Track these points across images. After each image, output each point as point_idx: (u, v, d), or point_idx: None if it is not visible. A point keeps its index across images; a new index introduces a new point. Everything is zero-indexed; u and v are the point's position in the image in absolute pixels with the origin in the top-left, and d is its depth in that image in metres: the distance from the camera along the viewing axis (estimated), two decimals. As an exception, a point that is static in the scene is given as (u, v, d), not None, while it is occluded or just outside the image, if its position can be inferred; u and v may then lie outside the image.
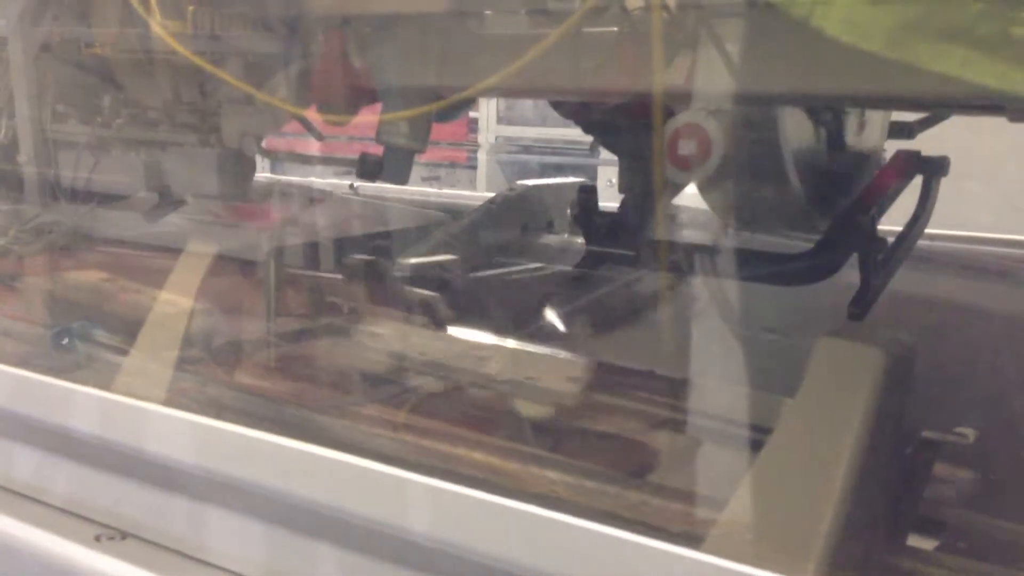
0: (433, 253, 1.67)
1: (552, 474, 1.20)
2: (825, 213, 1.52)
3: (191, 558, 1.22)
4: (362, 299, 1.41)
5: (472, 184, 5.48)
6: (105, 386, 1.38)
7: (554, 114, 1.81)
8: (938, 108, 1.49)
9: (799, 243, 1.46)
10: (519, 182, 1.98)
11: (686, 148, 1.20)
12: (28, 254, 2.15)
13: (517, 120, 5.46)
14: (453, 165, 5.82)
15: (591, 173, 4.02)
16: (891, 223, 1.41)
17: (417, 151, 1.58)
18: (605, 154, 1.88)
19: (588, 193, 1.60)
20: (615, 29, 1.27)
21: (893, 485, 1.12)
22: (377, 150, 1.60)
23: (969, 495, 1.16)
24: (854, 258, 1.31)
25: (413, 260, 1.49)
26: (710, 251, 1.45)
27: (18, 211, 2.23)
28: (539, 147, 5.35)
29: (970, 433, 1.14)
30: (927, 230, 1.44)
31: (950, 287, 1.58)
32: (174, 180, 1.99)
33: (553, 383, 1.21)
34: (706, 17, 1.19)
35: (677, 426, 1.24)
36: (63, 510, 1.35)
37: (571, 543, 0.95)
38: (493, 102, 5.30)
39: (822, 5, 0.96)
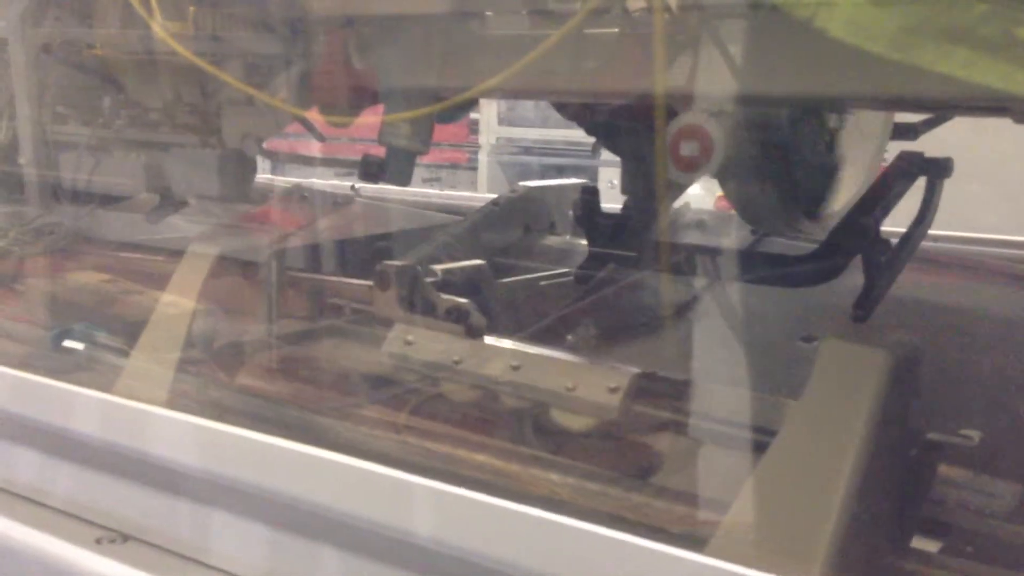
0: (436, 255, 1.66)
1: (555, 476, 1.19)
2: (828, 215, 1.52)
3: (192, 560, 1.22)
4: (391, 305, 1.37)
5: (473, 185, 5.48)
6: (106, 388, 1.38)
7: (555, 115, 1.80)
8: (942, 109, 1.48)
9: (804, 245, 1.46)
10: (521, 183, 1.98)
11: (688, 149, 1.20)
12: (29, 255, 2.15)
13: (518, 121, 5.46)
14: (454, 166, 5.82)
15: (592, 174, 4.02)
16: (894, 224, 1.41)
17: (419, 152, 1.58)
18: (606, 155, 1.88)
19: (590, 194, 1.60)
20: (616, 30, 1.27)
21: (898, 487, 1.12)
22: (379, 151, 1.60)
23: (974, 497, 1.16)
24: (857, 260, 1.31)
25: (441, 265, 1.46)
26: (713, 253, 1.44)
27: (19, 212, 2.23)
28: (540, 148, 5.36)
29: (975, 435, 1.14)
30: (931, 231, 1.43)
31: (954, 289, 1.57)
32: (175, 181, 1.99)
33: (592, 393, 1.17)
34: (708, 18, 1.19)
35: (680, 428, 1.23)
36: (64, 512, 1.35)
37: (574, 546, 0.95)
38: (494, 103, 5.31)
39: (826, 6, 0.96)
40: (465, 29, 1.44)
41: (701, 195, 1.73)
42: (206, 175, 1.91)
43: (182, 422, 1.21)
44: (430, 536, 1.04)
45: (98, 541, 1.27)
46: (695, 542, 0.97)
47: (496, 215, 1.84)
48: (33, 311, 2.00)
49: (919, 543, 1.13)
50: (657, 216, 1.53)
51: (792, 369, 1.14)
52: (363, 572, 1.11)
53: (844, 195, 1.56)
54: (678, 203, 1.74)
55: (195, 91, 1.87)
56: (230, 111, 1.83)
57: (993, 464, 1.16)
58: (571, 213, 1.79)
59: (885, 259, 1.31)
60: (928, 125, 1.61)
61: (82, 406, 1.31)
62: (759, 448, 1.06)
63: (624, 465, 1.22)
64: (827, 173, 1.54)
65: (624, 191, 1.64)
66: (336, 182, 2.44)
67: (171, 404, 1.33)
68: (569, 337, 1.45)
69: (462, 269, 1.50)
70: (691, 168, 1.21)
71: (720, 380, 1.22)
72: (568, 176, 2.24)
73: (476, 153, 5.57)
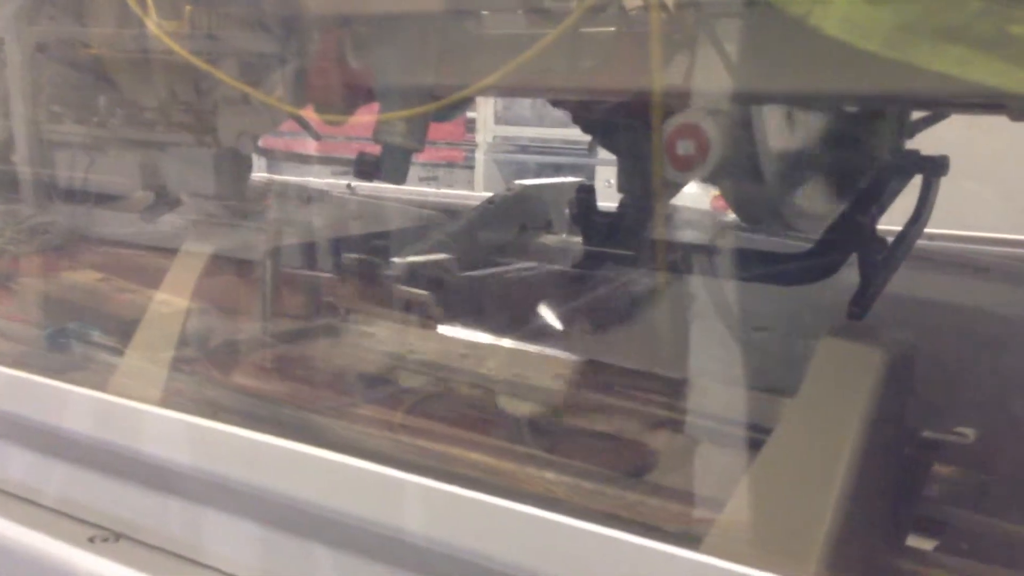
0: (431, 253, 1.66)
1: (548, 474, 1.19)
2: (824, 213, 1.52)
3: (185, 559, 1.22)
4: (355, 298, 1.42)
5: (470, 184, 5.48)
6: (100, 386, 1.37)
7: (551, 114, 1.81)
8: (938, 107, 1.48)
9: (799, 243, 1.46)
10: (517, 182, 1.98)
11: (684, 148, 1.20)
12: (23, 254, 2.14)
13: (515, 120, 5.46)
14: (451, 165, 5.82)
15: (589, 173, 4.02)
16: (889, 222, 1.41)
17: (415, 150, 1.58)
18: (603, 154, 1.88)
19: (586, 193, 1.60)
20: (613, 29, 1.26)
21: (893, 485, 1.12)
22: (374, 149, 1.59)
23: (969, 495, 1.16)
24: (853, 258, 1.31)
25: (406, 259, 1.50)
26: (708, 251, 1.44)
27: (13, 211, 2.22)
28: (536, 147, 5.36)
29: (970, 433, 1.14)
30: (926, 229, 1.43)
31: (950, 287, 1.58)
32: (170, 179, 1.98)
33: (540, 380, 1.21)
34: (704, 17, 1.19)
35: (674, 426, 1.23)
36: (56, 511, 1.35)
37: (568, 544, 0.95)
38: (491, 102, 5.30)
39: (820, 4, 0.96)
40: (461, 27, 1.44)
41: (697, 194, 1.73)
42: (201, 173, 1.91)
43: (175, 420, 1.21)
44: (424, 534, 1.04)
45: (91, 540, 1.26)
46: (690, 540, 0.97)
47: (492, 213, 1.84)
48: (27, 310, 1.99)
49: (914, 541, 1.13)
50: (653, 214, 1.53)
51: (747, 358, 1.16)
52: (357, 570, 1.11)
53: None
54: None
55: (190, 89, 1.87)
56: (225, 109, 1.83)
57: (988, 462, 1.16)
58: (567, 211, 1.79)
59: (881, 257, 1.31)
60: (925, 123, 1.61)
61: (75, 404, 1.31)
62: (754, 446, 1.06)
63: (619, 463, 1.22)
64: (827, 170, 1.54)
65: (620, 189, 1.64)
66: (332, 180, 2.44)
67: (164, 403, 1.32)
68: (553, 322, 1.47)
69: (424, 262, 1.53)
70: (687, 167, 1.21)
71: (710, 376, 1.22)
72: (565, 175, 2.24)
73: (473, 152, 5.57)
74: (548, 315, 1.51)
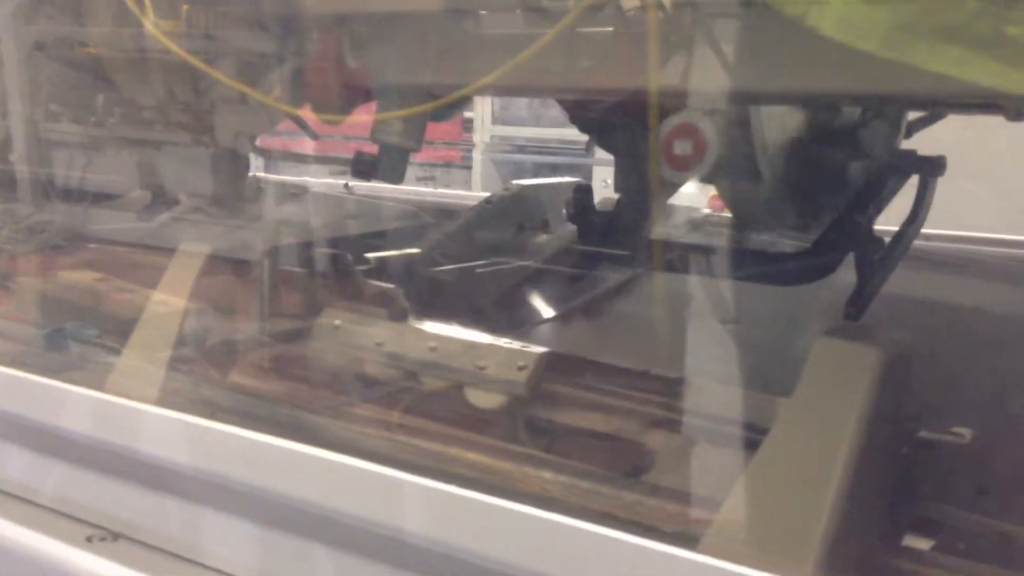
0: (428, 253, 1.67)
1: (547, 474, 1.19)
2: (821, 212, 1.52)
3: (183, 559, 1.22)
4: (325, 294, 1.44)
5: (467, 184, 5.48)
6: (98, 386, 1.37)
7: (549, 114, 1.81)
8: (935, 107, 1.49)
9: (796, 243, 1.46)
10: (514, 182, 1.98)
11: (682, 148, 1.20)
12: (21, 253, 2.14)
13: (512, 120, 5.46)
14: (448, 165, 5.82)
15: (586, 173, 4.02)
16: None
17: (412, 150, 1.58)
18: (600, 154, 1.88)
19: (583, 192, 1.60)
20: (611, 28, 1.26)
21: (889, 485, 1.12)
22: (372, 149, 1.59)
23: (965, 495, 1.16)
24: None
25: (377, 254, 1.52)
26: (705, 250, 1.44)
27: (11, 210, 2.22)
28: (534, 147, 5.35)
29: (967, 433, 1.14)
30: (923, 230, 1.44)
31: (946, 287, 1.58)
32: (167, 179, 1.98)
33: (502, 372, 1.23)
34: (702, 17, 1.19)
35: (670, 425, 1.23)
36: (54, 510, 1.34)
37: (565, 544, 0.95)
38: (488, 102, 5.30)
39: (817, 5, 0.96)
40: (459, 27, 1.44)
41: (694, 194, 1.73)
42: (199, 173, 1.91)
43: (173, 420, 1.21)
44: (422, 534, 1.04)
45: (89, 539, 1.26)
46: (687, 540, 0.97)
47: (489, 213, 1.84)
48: (25, 309, 1.99)
49: (911, 540, 1.13)
50: (650, 214, 1.53)
51: (713, 351, 1.17)
52: (355, 570, 1.11)
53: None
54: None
55: (187, 89, 1.87)
56: (223, 109, 1.83)
57: (985, 461, 1.16)
58: (564, 211, 1.79)
59: (878, 257, 1.32)
60: (922, 123, 1.61)
61: (72, 404, 1.31)
62: (751, 446, 1.06)
63: (616, 463, 1.22)
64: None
65: (617, 189, 1.64)
66: (329, 180, 2.44)
67: (162, 402, 1.32)
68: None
69: (396, 258, 1.54)
70: (684, 167, 1.21)
71: (707, 374, 1.23)
72: (563, 175, 2.24)
73: (470, 151, 5.57)
74: (522, 309, 1.54)
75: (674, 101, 1.22)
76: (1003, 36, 0.90)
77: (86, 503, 1.32)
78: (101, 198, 2.18)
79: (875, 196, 1.36)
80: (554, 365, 1.29)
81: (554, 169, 4.93)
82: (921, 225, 1.42)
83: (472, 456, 1.26)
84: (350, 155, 1.65)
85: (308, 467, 1.10)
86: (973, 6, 0.90)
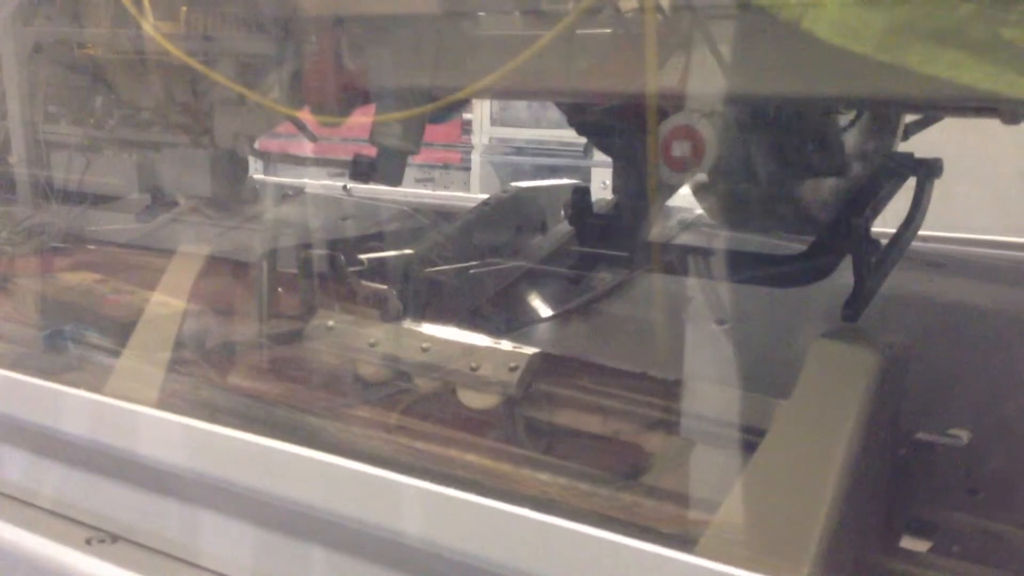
0: (426, 255, 1.67)
1: (544, 476, 1.20)
2: (819, 215, 1.53)
3: (182, 561, 1.22)
4: (320, 295, 1.44)
5: (466, 186, 5.48)
6: (97, 388, 1.37)
7: (548, 116, 1.82)
8: (931, 110, 1.49)
9: (794, 245, 1.46)
10: (513, 184, 1.98)
11: (680, 149, 1.20)
12: (20, 255, 2.14)
13: (511, 122, 5.46)
14: (447, 166, 5.81)
15: (585, 175, 4.02)
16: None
17: (410, 152, 1.58)
18: (599, 156, 1.88)
19: (581, 195, 1.60)
20: (609, 31, 1.27)
21: (886, 487, 1.12)
22: (371, 151, 1.60)
23: (962, 497, 1.16)
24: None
25: (370, 255, 1.52)
26: (702, 252, 1.45)
27: (10, 212, 2.22)
28: (533, 149, 5.35)
29: (964, 435, 1.14)
30: (920, 232, 1.44)
31: (943, 289, 1.58)
32: (166, 181, 1.98)
33: (494, 373, 1.23)
34: (699, 19, 1.19)
35: (667, 427, 1.24)
36: (53, 512, 1.35)
37: (563, 546, 0.95)
38: (487, 104, 5.30)
39: (813, 8, 0.96)
40: (457, 29, 1.44)
41: (692, 195, 1.73)
42: (198, 175, 1.91)
43: (171, 423, 1.21)
44: (419, 536, 1.04)
45: (88, 541, 1.26)
46: (684, 542, 0.97)
47: (487, 216, 1.85)
48: (24, 311, 1.99)
49: (907, 542, 1.14)
50: (647, 216, 1.53)
51: (710, 353, 1.17)
52: (352, 572, 1.11)
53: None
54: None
55: (186, 91, 1.87)
56: (222, 111, 1.83)
57: (982, 463, 1.17)
58: (563, 213, 1.79)
59: (875, 259, 1.32)
60: (918, 126, 1.62)
61: (72, 406, 1.31)
62: (748, 448, 1.06)
63: (613, 465, 1.23)
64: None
65: (615, 191, 1.64)
66: (328, 182, 2.44)
67: (161, 404, 1.33)
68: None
69: (389, 259, 1.55)
70: (683, 168, 1.21)
71: (704, 377, 1.23)
72: (562, 176, 2.24)
73: (469, 153, 5.56)
74: (516, 309, 1.54)
75: (672, 103, 1.22)
76: (998, 39, 0.90)
77: (85, 505, 1.32)
78: (100, 200, 2.18)
79: (872, 198, 1.36)
80: (551, 367, 1.29)
81: (553, 171, 4.92)
82: (918, 227, 1.42)
83: (470, 458, 1.26)
84: (349, 157, 1.65)
85: (306, 469, 1.10)
86: (968, 9, 0.90)
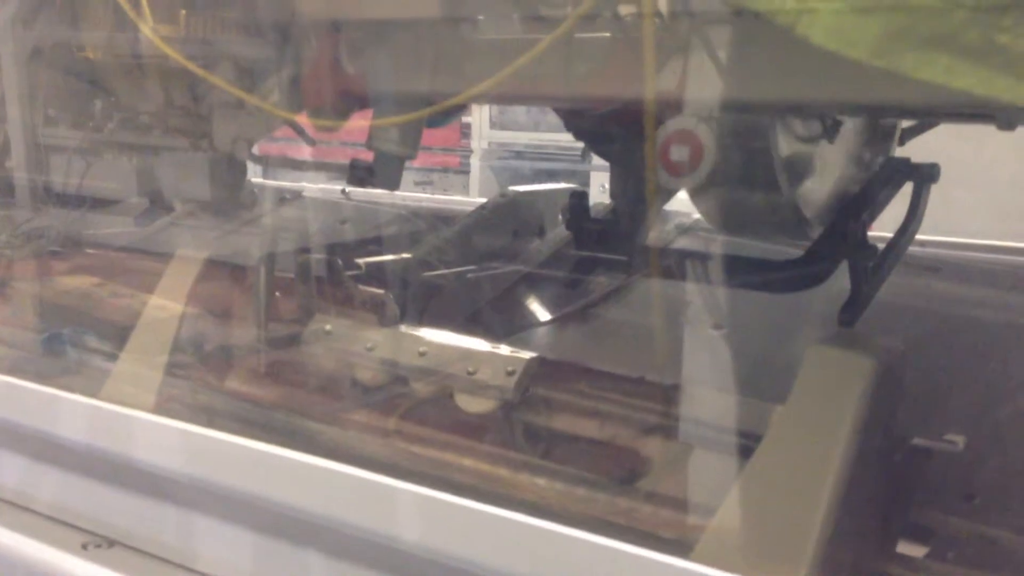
0: (423, 259, 1.67)
1: (542, 481, 1.20)
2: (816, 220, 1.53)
3: (178, 566, 1.22)
4: (317, 299, 1.44)
5: (465, 190, 5.48)
6: (94, 392, 1.37)
7: (547, 120, 1.82)
8: (927, 116, 1.49)
9: (790, 250, 1.46)
10: (510, 188, 1.99)
11: (678, 154, 1.20)
12: (19, 259, 2.14)
13: (510, 125, 5.46)
14: (446, 170, 5.81)
15: (584, 179, 4.02)
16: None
17: (408, 157, 1.58)
18: (598, 160, 1.88)
19: (579, 199, 1.60)
20: (607, 35, 1.27)
21: (883, 492, 1.12)
22: (369, 156, 1.60)
23: (959, 502, 1.16)
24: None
25: (367, 259, 1.53)
26: (699, 257, 1.45)
27: (9, 216, 2.22)
28: (532, 153, 5.36)
29: (960, 440, 1.14)
30: (917, 236, 1.44)
31: (940, 293, 1.58)
32: (165, 185, 1.98)
33: (492, 377, 1.23)
34: (697, 24, 1.19)
35: (667, 432, 1.23)
36: (50, 517, 1.34)
37: (560, 551, 0.95)
38: (486, 108, 5.30)
39: (807, 14, 0.96)
40: (455, 34, 1.44)
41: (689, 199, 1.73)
42: (196, 179, 1.91)
43: (168, 427, 1.21)
44: (417, 542, 1.04)
45: (84, 546, 1.26)
46: (681, 547, 0.97)
47: (485, 220, 1.85)
48: (23, 315, 1.99)
49: (904, 548, 1.13)
50: (645, 220, 1.53)
51: (707, 358, 1.17)
52: (349, 577, 1.11)
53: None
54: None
55: (185, 95, 1.87)
56: (220, 115, 1.83)
57: (978, 469, 1.17)
58: (560, 218, 1.79)
59: (872, 264, 1.32)
60: (915, 131, 1.62)
61: (68, 411, 1.31)
62: (744, 453, 1.06)
63: (610, 469, 1.22)
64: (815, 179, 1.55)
65: (613, 196, 1.64)
66: (326, 186, 2.44)
67: (158, 409, 1.33)
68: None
69: (387, 262, 1.55)
70: (681, 173, 1.22)
71: (701, 381, 1.23)
72: (561, 180, 2.25)
73: (468, 157, 5.57)
74: (514, 314, 1.54)
75: (669, 108, 1.22)
76: (993, 44, 0.90)
77: (82, 510, 1.32)
78: (99, 203, 2.18)
79: (868, 203, 1.36)
80: (548, 371, 1.29)
81: (552, 175, 4.93)
82: (915, 232, 1.42)
83: (467, 462, 1.26)
84: (348, 162, 1.65)
85: (302, 474, 1.10)
86: (963, 15, 0.90)
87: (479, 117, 5.39)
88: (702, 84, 1.20)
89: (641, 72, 1.19)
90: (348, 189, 2.30)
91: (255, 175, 2.36)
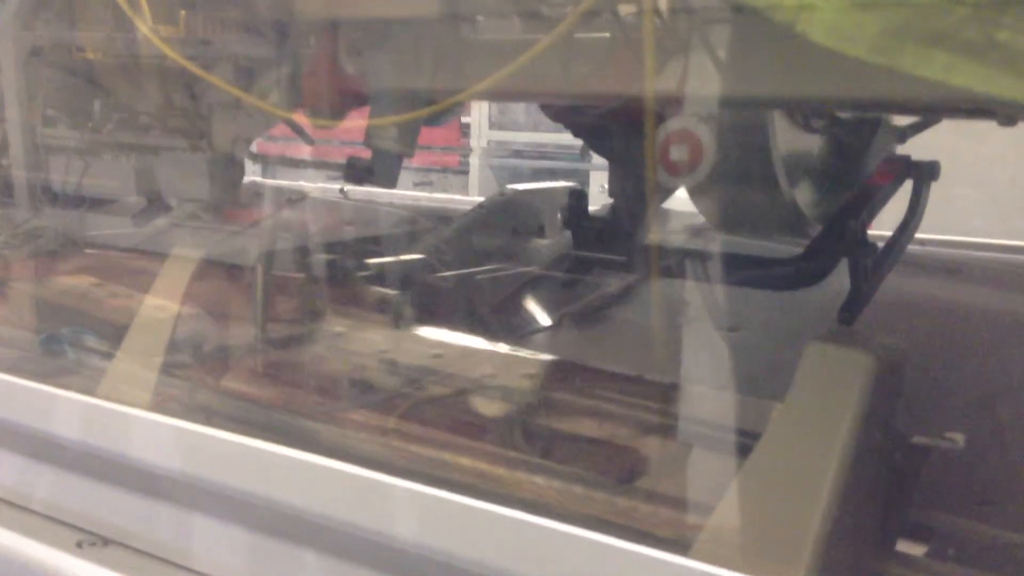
0: (426, 258, 1.67)
1: (540, 480, 1.19)
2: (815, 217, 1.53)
3: (174, 564, 1.21)
4: (326, 300, 1.43)
5: (464, 189, 5.48)
6: (91, 391, 1.37)
7: (546, 119, 1.81)
8: (928, 112, 1.49)
9: (790, 248, 1.46)
10: (509, 186, 1.98)
11: (677, 153, 1.20)
12: (18, 259, 2.14)
13: (509, 125, 5.46)
14: (445, 170, 5.82)
15: (584, 178, 4.02)
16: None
17: (405, 154, 1.58)
18: (598, 159, 1.88)
19: (577, 197, 1.60)
20: (607, 35, 1.27)
21: (882, 490, 1.11)
22: (366, 154, 1.59)
23: (959, 500, 1.16)
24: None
25: (378, 260, 1.51)
26: (699, 255, 1.44)
27: (8, 215, 2.22)
28: (531, 152, 5.36)
29: (960, 438, 1.13)
30: (917, 235, 1.44)
31: (939, 292, 1.58)
32: (163, 184, 1.98)
33: (510, 381, 1.22)
34: (697, 23, 1.19)
35: (665, 431, 1.23)
36: (44, 516, 1.34)
37: (559, 550, 0.95)
38: (486, 107, 5.31)
39: (806, 11, 0.95)
40: (454, 33, 1.44)
41: (688, 198, 1.73)
42: (194, 178, 1.91)
43: (164, 425, 1.21)
44: (414, 540, 1.03)
45: (79, 545, 1.26)
46: (679, 545, 0.97)
47: (483, 219, 1.85)
48: (22, 314, 1.99)
49: (904, 546, 1.13)
50: (643, 219, 1.53)
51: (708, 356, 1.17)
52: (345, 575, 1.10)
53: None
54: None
55: (183, 94, 1.87)
56: (218, 114, 1.83)
57: (978, 467, 1.16)
58: (559, 216, 1.79)
59: (872, 262, 1.32)
60: (916, 129, 1.62)
61: (63, 409, 1.30)
62: (743, 451, 1.06)
63: (609, 468, 1.22)
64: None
65: (611, 194, 1.64)
66: (324, 185, 2.44)
67: (154, 407, 1.32)
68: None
69: (398, 263, 1.54)
70: (680, 172, 1.21)
71: (699, 380, 1.23)
72: (560, 180, 2.24)
73: (467, 157, 5.57)
74: (524, 315, 1.53)
75: (668, 107, 1.22)
76: (993, 41, 0.89)
77: (76, 508, 1.32)
78: (98, 203, 2.18)
79: (868, 201, 1.36)
80: (565, 374, 1.27)
81: (552, 174, 4.93)
82: (915, 230, 1.42)
83: (466, 461, 1.25)
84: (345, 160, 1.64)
85: (298, 472, 1.09)
86: (962, 12, 0.89)
87: (479, 116, 5.39)
88: (701, 82, 1.20)
89: (640, 70, 1.19)
90: (347, 188, 2.30)
91: (254, 174, 2.36)
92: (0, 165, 2.18)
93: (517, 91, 1.57)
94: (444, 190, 5.51)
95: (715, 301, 1.38)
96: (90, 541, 1.26)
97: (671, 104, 1.22)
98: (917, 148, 1.55)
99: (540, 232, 1.89)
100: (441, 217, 2.05)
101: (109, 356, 1.55)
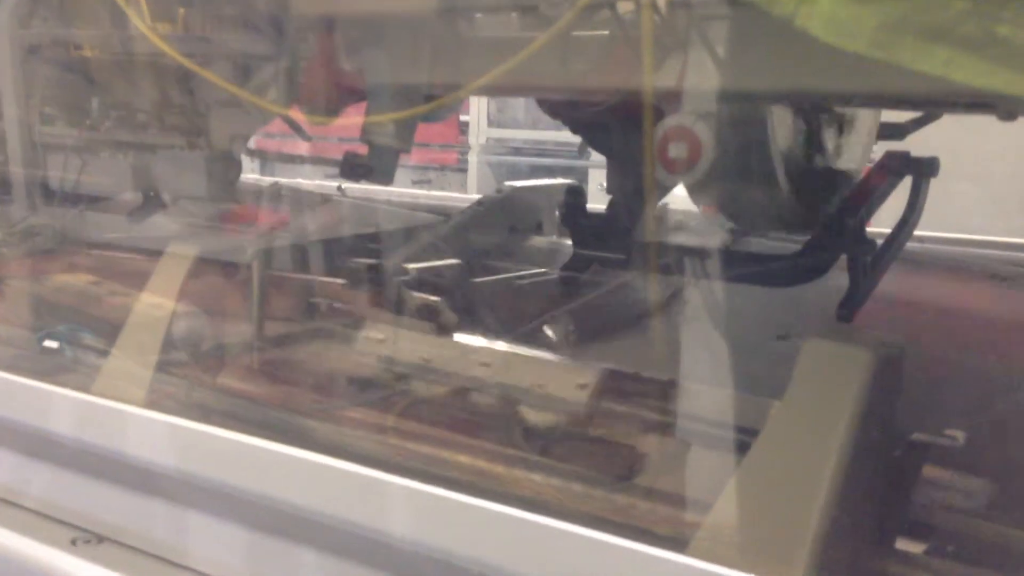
0: (421, 255, 1.66)
1: (539, 477, 1.19)
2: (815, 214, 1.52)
3: (168, 562, 1.21)
4: (362, 303, 1.39)
5: (463, 187, 5.48)
6: (85, 388, 1.36)
7: (545, 117, 1.81)
8: (927, 107, 1.48)
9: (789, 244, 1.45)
10: (506, 183, 1.98)
11: (676, 150, 1.20)
12: (15, 257, 2.14)
13: (508, 123, 5.47)
14: (443, 167, 5.81)
15: (582, 175, 4.02)
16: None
17: (402, 150, 1.58)
18: (596, 157, 1.88)
19: (575, 195, 1.60)
20: (606, 32, 1.26)
21: (881, 488, 1.11)
22: (362, 150, 1.59)
23: (958, 497, 1.15)
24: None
25: (415, 264, 1.48)
26: (698, 252, 1.44)
27: (5, 213, 2.22)
28: (530, 149, 5.36)
29: (959, 435, 1.13)
30: (916, 231, 1.43)
31: (938, 288, 1.57)
32: (160, 181, 1.98)
33: (562, 390, 1.17)
34: (695, 19, 1.19)
35: (664, 429, 1.22)
36: (39, 513, 1.34)
37: (557, 547, 0.94)
38: (484, 105, 5.31)
39: (806, 5, 0.95)
40: (452, 29, 1.44)
41: (687, 196, 1.72)
42: (191, 175, 1.90)
43: (158, 422, 1.20)
44: (412, 538, 1.03)
45: (73, 542, 1.25)
46: (677, 543, 0.96)
47: (481, 215, 1.84)
48: (19, 312, 1.98)
49: (903, 544, 1.13)
50: (642, 216, 1.53)
51: (771, 367, 1.14)
52: (342, 574, 1.10)
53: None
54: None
55: (180, 91, 1.87)
56: (216, 111, 1.83)
57: (977, 464, 1.16)
58: (557, 213, 1.79)
59: (870, 259, 1.31)
60: (917, 124, 1.61)
61: (58, 406, 1.30)
62: (742, 448, 1.05)
63: (608, 466, 1.21)
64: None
65: (609, 191, 1.64)
66: (321, 181, 2.44)
67: (149, 404, 1.32)
68: (550, 333, 1.44)
69: (436, 267, 1.51)
70: (679, 169, 1.21)
71: (700, 378, 1.22)
72: (559, 177, 2.24)
73: (466, 154, 5.57)
74: (558, 324, 1.49)
75: (667, 103, 1.22)
76: (993, 36, 0.89)
77: (71, 505, 1.31)
78: (95, 201, 2.18)
79: (867, 198, 1.35)
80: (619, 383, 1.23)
81: (550, 171, 4.93)
82: (914, 227, 1.41)
83: (465, 459, 1.24)
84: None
85: (293, 469, 1.09)
86: (961, 6, 0.89)
87: (477, 114, 5.39)
88: (700, 78, 1.19)
89: (639, 66, 1.18)
90: (344, 185, 2.30)
91: (252, 171, 2.35)
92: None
93: (515, 87, 1.56)
94: (443, 188, 5.51)
95: (762, 309, 1.36)
96: (84, 538, 1.26)
97: (670, 100, 1.22)
98: (916, 144, 1.54)
99: (538, 229, 1.89)
100: (440, 216, 2.04)
101: (105, 353, 1.55)
